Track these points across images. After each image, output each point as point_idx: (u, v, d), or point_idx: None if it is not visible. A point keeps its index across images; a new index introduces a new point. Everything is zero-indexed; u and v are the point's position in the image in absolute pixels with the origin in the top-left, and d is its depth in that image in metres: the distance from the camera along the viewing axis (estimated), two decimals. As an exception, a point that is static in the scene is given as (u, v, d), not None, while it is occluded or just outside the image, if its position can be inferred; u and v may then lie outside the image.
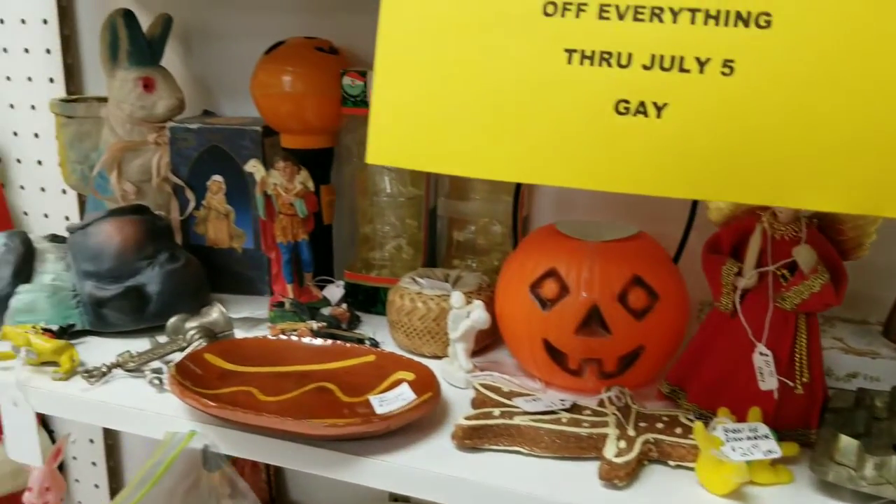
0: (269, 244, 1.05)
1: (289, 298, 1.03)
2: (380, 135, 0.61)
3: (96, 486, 1.49)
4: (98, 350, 0.96)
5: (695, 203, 0.88)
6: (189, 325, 0.94)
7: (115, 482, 1.49)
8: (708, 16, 0.53)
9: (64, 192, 1.35)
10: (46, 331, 0.94)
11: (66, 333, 0.97)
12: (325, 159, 1.11)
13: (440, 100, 0.59)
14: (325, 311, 1.02)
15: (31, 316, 0.98)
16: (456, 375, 0.87)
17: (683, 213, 0.92)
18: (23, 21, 1.29)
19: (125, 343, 0.97)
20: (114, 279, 0.99)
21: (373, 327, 1.02)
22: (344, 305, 1.03)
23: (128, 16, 1.11)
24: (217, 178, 1.12)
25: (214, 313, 0.95)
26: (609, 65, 0.55)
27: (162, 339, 0.95)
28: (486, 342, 0.95)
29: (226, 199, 1.13)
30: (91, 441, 1.45)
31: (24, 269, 1.01)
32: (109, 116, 1.16)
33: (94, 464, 1.47)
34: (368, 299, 1.08)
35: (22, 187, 1.39)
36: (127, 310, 0.99)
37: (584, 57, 0.55)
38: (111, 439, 1.48)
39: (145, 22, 1.14)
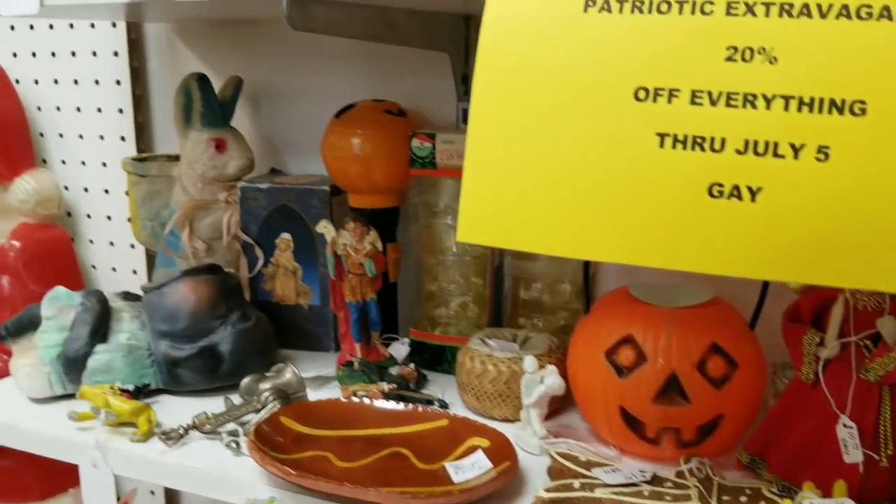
0: (338, 303, 1.06)
1: (357, 358, 1.04)
2: (471, 215, 0.62)
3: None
4: (172, 409, 0.98)
5: (770, 267, 0.87)
6: (263, 386, 0.95)
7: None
8: (801, 103, 0.53)
9: (132, 246, 1.38)
10: (123, 391, 0.96)
11: (142, 393, 0.99)
12: (392, 218, 1.12)
13: (531, 181, 0.60)
14: (393, 370, 1.03)
15: (108, 376, 1.00)
16: (530, 442, 0.87)
17: (755, 274, 0.92)
18: (96, 82, 1.34)
19: (198, 402, 0.99)
20: (188, 339, 1.01)
21: (440, 387, 1.03)
22: (412, 365, 1.04)
23: (202, 79, 1.14)
24: (285, 235, 1.14)
25: (287, 374, 0.96)
26: (702, 149, 0.55)
27: (236, 399, 0.97)
28: (556, 405, 0.94)
29: (293, 257, 1.15)
30: (152, 493, 1.47)
31: (101, 328, 1.03)
32: (181, 176, 1.19)
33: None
34: (434, 357, 1.09)
35: (91, 241, 1.43)
36: (201, 369, 1.01)
37: (676, 141, 0.56)
38: (172, 490, 1.49)
39: (217, 83, 1.17)
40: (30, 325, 1.07)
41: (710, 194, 0.55)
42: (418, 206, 1.08)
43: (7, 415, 1.00)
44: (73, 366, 1.00)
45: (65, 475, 1.41)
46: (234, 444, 0.88)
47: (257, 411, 0.93)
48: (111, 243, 1.41)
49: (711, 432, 0.82)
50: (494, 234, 0.61)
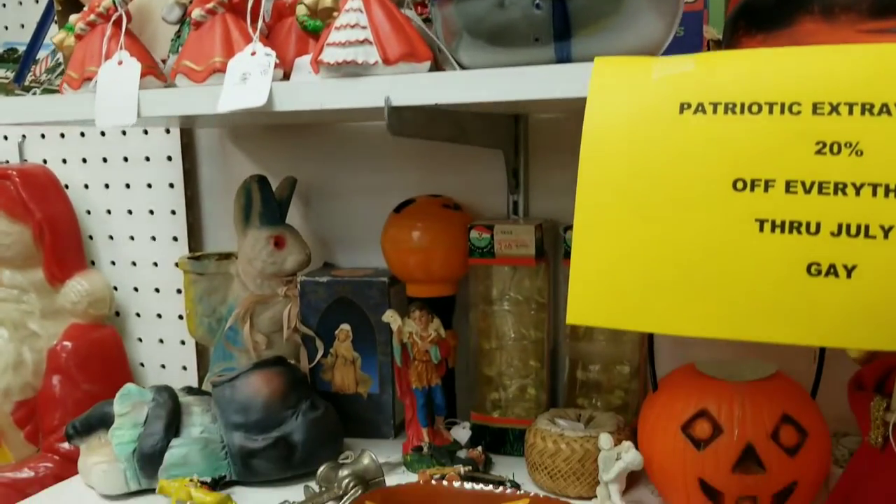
0: (403, 390, 1.10)
1: (426, 442, 1.07)
2: (579, 299, 0.67)
3: None
4: (248, 501, 1.00)
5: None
6: (342, 473, 0.98)
7: None
8: (888, 189, 0.60)
9: (182, 343, 1.42)
10: (203, 483, 0.98)
11: (218, 485, 1.01)
12: (448, 306, 1.17)
13: (635, 265, 0.65)
14: (461, 454, 1.06)
15: (185, 469, 1.02)
16: (611, 517, 0.90)
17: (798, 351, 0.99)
18: (149, 185, 1.40)
19: (271, 492, 1.01)
20: (262, 430, 1.04)
21: (506, 468, 1.06)
22: (479, 448, 1.07)
23: (262, 181, 1.21)
24: (344, 326, 1.19)
25: (365, 460, 0.99)
26: (799, 232, 0.61)
27: (313, 487, 0.99)
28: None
29: (352, 346, 1.19)
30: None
31: (174, 422, 1.06)
32: (240, 272, 1.23)
33: None
34: (496, 440, 1.12)
35: (140, 340, 1.46)
36: (275, 460, 1.04)
37: (774, 225, 0.62)
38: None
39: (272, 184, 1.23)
40: (100, 423, 1.09)
41: (809, 273, 0.61)
42: (475, 294, 1.13)
43: (85, 514, 1.01)
44: (149, 461, 1.03)
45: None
46: (323, 531, 0.90)
47: (339, 498, 0.96)
48: (161, 341, 1.44)
49: (786, 499, 0.86)
50: (603, 315, 0.67)
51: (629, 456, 0.89)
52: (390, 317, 1.08)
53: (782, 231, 0.62)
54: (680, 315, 0.64)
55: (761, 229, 0.62)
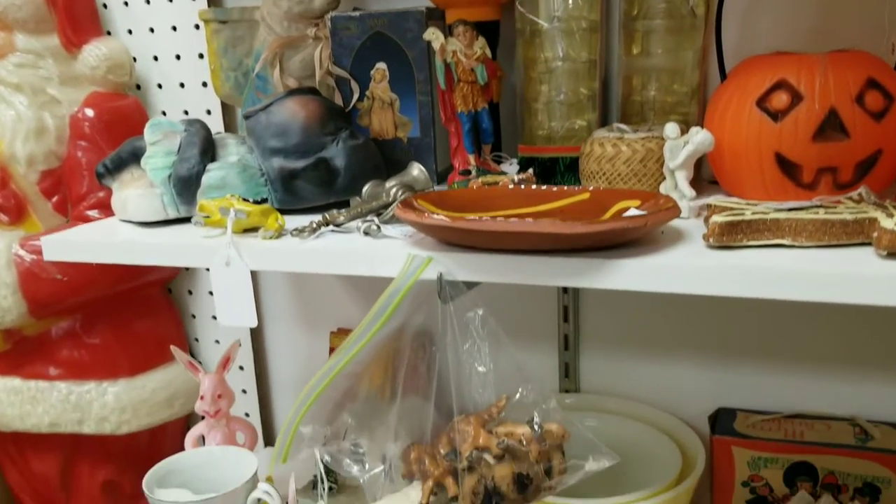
0: (448, 115, 1.04)
1: (474, 166, 1.02)
2: None
3: (246, 414, 1.48)
4: (291, 222, 0.95)
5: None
6: (389, 184, 0.93)
7: (265, 413, 1.49)
8: None
9: (209, 112, 1.36)
10: (245, 200, 0.94)
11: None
12: (492, 33, 1.10)
13: None
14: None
15: (223, 192, 0.98)
16: (679, 205, 0.85)
17: (873, 41, 0.92)
18: (162, -59, 1.31)
19: (316, 217, 0.96)
20: (302, 154, 0.99)
21: (558, 193, 1.01)
22: (530, 170, 1.02)
23: None
24: (380, 65, 1.11)
25: (414, 171, 0.95)
26: None
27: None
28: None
29: (390, 87, 1.12)
30: (241, 368, 1.45)
31: (209, 148, 1.01)
32: (265, 15, 1.16)
33: (244, 391, 1.46)
34: (545, 172, 1.07)
35: (164, 113, 1.40)
36: (318, 181, 0.99)
37: None
38: (262, 366, 1.47)
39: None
40: (131, 157, 1.05)
41: None
42: (520, 20, 1.06)
43: (125, 235, 0.98)
44: (185, 185, 0.98)
45: (154, 351, 1.39)
46: (374, 227, 0.86)
47: (387, 206, 0.91)
48: (185, 112, 1.38)
49: (869, 171, 0.81)
50: None
51: (698, 137, 0.83)
52: (432, 34, 1.00)
53: None
54: None
55: None
